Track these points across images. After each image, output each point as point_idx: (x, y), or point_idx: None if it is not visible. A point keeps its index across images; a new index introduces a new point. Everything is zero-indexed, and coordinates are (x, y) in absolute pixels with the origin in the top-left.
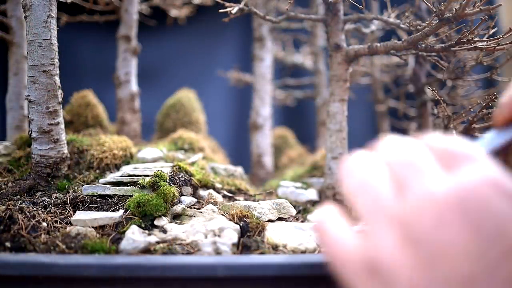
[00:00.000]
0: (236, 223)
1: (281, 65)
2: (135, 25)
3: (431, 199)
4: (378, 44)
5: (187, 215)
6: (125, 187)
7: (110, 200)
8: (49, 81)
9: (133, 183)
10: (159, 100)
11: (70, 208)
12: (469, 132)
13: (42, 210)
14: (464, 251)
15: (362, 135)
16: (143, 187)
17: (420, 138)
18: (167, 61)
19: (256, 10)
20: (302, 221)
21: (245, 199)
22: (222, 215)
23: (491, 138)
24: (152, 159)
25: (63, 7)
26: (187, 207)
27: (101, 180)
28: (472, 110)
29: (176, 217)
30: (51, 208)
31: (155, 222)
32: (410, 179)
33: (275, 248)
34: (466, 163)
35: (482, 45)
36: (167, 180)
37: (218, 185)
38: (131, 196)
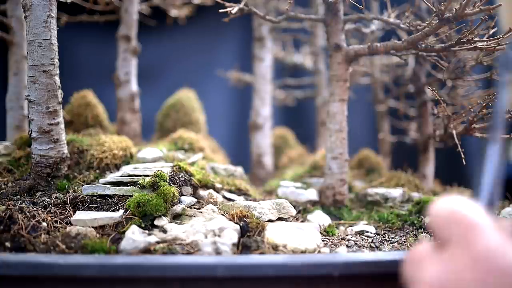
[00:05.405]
0: (236, 223)
1: (281, 65)
2: (135, 25)
3: None
4: (378, 44)
5: (187, 215)
6: (125, 187)
7: (110, 200)
8: (49, 81)
9: (133, 183)
10: (159, 100)
11: (70, 208)
12: (469, 132)
13: (42, 210)
14: None
15: (362, 135)
16: (143, 187)
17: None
18: (167, 61)
19: (256, 10)
20: (302, 221)
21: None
22: (222, 215)
23: None
24: (152, 159)
25: (63, 7)
26: (187, 207)
27: (101, 180)
28: (472, 110)
29: (176, 217)
30: (51, 208)
31: (155, 222)
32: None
33: (275, 248)
34: None
35: (482, 45)
36: (167, 180)
37: (218, 185)
38: (131, 196)
